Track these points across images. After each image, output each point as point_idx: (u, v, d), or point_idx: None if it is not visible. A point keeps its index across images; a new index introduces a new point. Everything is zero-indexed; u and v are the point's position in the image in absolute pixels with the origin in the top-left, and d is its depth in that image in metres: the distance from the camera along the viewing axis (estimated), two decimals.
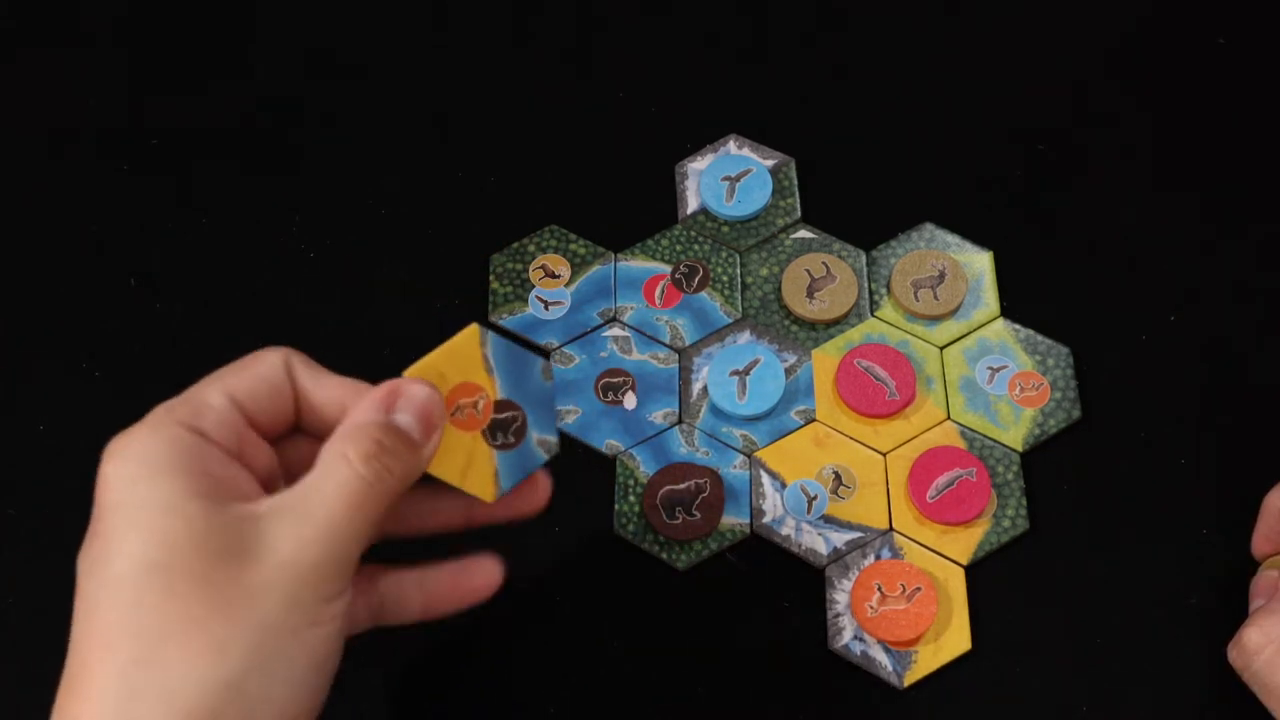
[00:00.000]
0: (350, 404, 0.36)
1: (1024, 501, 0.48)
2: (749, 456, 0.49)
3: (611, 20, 0.62)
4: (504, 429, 0.39)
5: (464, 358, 0.39)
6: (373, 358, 0.52)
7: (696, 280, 0.53)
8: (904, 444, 0.50)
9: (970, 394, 0.51)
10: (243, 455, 0.35)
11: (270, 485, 0.36)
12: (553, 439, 0.40)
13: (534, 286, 0.53)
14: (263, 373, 0.36)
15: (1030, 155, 0.57)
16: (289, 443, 0.37)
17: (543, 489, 0.41)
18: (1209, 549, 0.48)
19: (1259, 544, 0.46)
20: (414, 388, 0.36)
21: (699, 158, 0.57)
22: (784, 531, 0.48)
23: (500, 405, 0.39)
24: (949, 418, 0.50)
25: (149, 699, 0.30)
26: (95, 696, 0.31)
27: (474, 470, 0.39)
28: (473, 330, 0.39)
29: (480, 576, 0.40)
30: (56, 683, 0.47)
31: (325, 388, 0.36)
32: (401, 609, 0.39)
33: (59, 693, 0.32)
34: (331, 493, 0.33)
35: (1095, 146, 0.57)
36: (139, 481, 0.32)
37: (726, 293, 0.53)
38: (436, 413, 0.36)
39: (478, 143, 0.58)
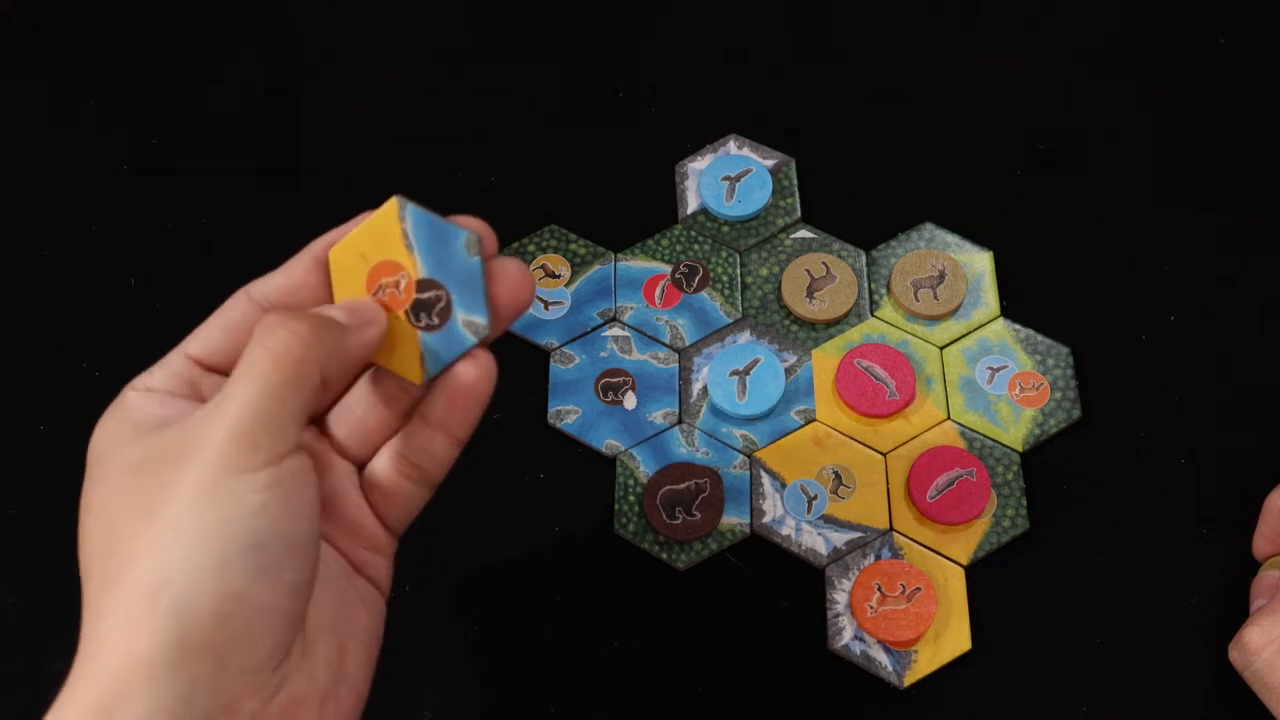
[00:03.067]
0: (307, 278, 0.38)
1: (1024, 501, 0.48)
2: (749, 456, 0.49)
3: (612, 20, 0.62)
4: (428, 309, 0.37)
5: (384, 234, 0.37)
6: None
7: (696, 280, 0.53)
8: (904, 444, 0.50)
9: (970, 394, 0.51)
10: (196, 394, 0.36)
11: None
12: (480, 320, 0.36)
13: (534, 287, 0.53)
14: (217, 321, 0.37)
15: (1030, 155, 0.57)
16: None
17: (483, 375, 0.36)
18: (1209, 549, 0.48)
19: (1259, 544, 0.46)
20: (352, 299, 0.36)
21: (699, 158, 0.57)
22: (784, 531, 0.48)
23: (422, 285, 0.37)
24: (949, 418, 0.50)
25: (124, 608, 0.30)
26: (84, 630, 0.31)
27: (400, 351, 0.37)
28: (392, 203, 0.37)
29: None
30: (59, 681, 0.47)
31: (283, 281, 0.38)
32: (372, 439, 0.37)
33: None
34: (242, 370, 0.32)
35: (1095, 146, 0.57)
36: (100, 445, 0.34)
37: (726, 293, 0.53)
38: (369, 308, 0.36)
39: (478, 143, 0.58)
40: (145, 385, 0.36)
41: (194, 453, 0.31)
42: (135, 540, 0.31)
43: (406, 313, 0.36)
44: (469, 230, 0.37)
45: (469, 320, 0.36)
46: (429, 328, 0.36)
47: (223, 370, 0.36)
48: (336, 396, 0.37)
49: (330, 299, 0.38)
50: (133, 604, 0.30)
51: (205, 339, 0.36)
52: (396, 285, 0.37)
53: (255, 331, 0.33)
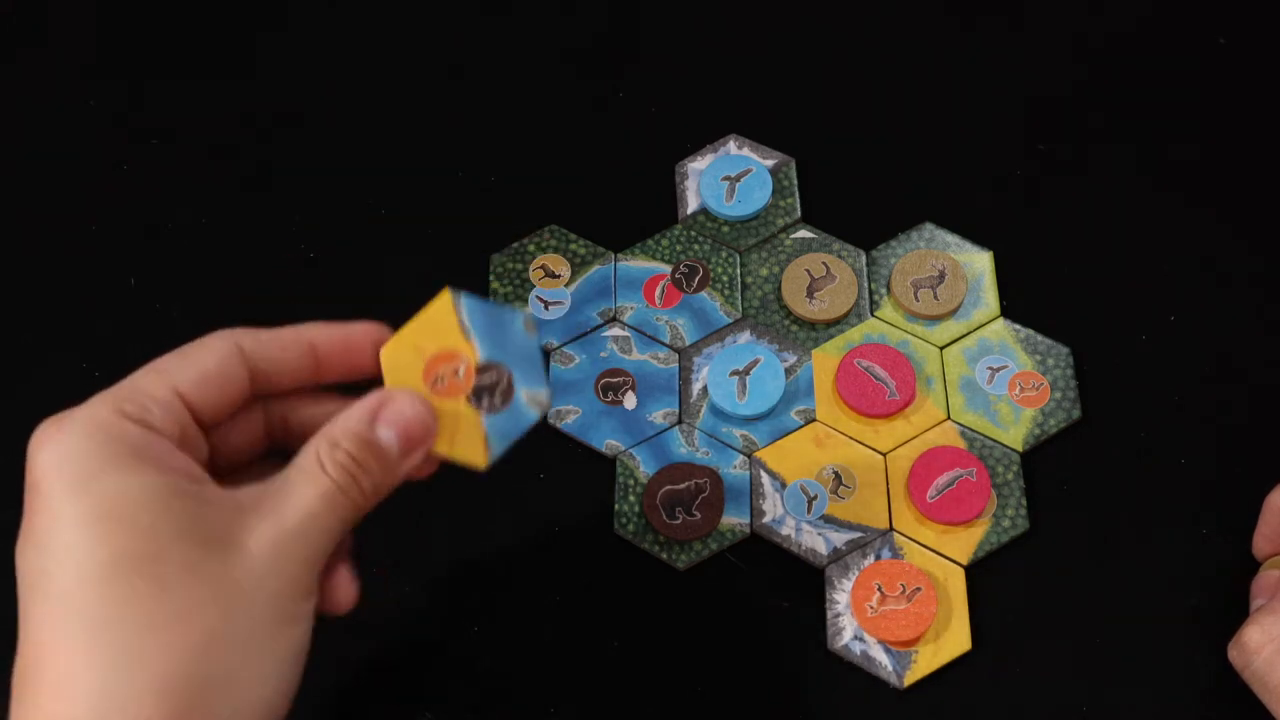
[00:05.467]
0: (301, 363, 0.37)
1: (1024, 501, 0.48)
2: (749, 456, 0.49)
3: (612, 20, 0.62)
4: (489, 391, 0.38)
5: (440, 325, 0.38)
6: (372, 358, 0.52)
7: (696, 280, 0.53)
8: (904, 444, 0.50)
9: (970, 394, 0.51)
10: (184, 446, 0.35)
11: (212, 471, 0.36)
12: (543, 393, 0.39)
13: (534, 286, 0.53)
14: (211, 366, 0.36)
15: (1030, 155, 0.57)
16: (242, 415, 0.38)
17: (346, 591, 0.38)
18: (1209, 549, 0.48)
19: (1260, 544, 0.46)
20: (402, 401, 0.36)
21: (699, 158, 0.57)
22: (784, 531, 0.48)
23: (482, 368, 0.38)
24: (949, 418, 0.50)
25: (136, 693, 0.30)
26: (78, 694, 0.30)
27: (462, 437, 0.38)
28: (445, 297, 0.38)
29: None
30: None
31: (276, 352, 0.37)
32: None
33: (17, 688, 0.32)
34: (307, 496, 0.34)
35: (1095, 146, 0.57)
36: (104, 473, 0.32)
37: (726, 293, 0.53)
38: (420, 431, 0.36)
39: (478, 143, 0.58)
40: (144, 419, 0.34)
41: (259, 566, 0.33)
42: (161, 638, 0.31)
43: (468, 398, 0.38)
44: (524, 311, 0.39)
45: (533, 395, 0.39)
46: (491, 409, 0.38)
47: (198, 416, 0.36)
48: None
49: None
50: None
51: (198, 385, 0.35)
52: (455, 372, 0.38)
53: (324, 440, 0.35)
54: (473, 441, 0.38)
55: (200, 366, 0.36)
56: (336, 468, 0.34)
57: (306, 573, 0.34)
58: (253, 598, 0.32)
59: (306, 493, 0.34)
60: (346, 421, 0.35)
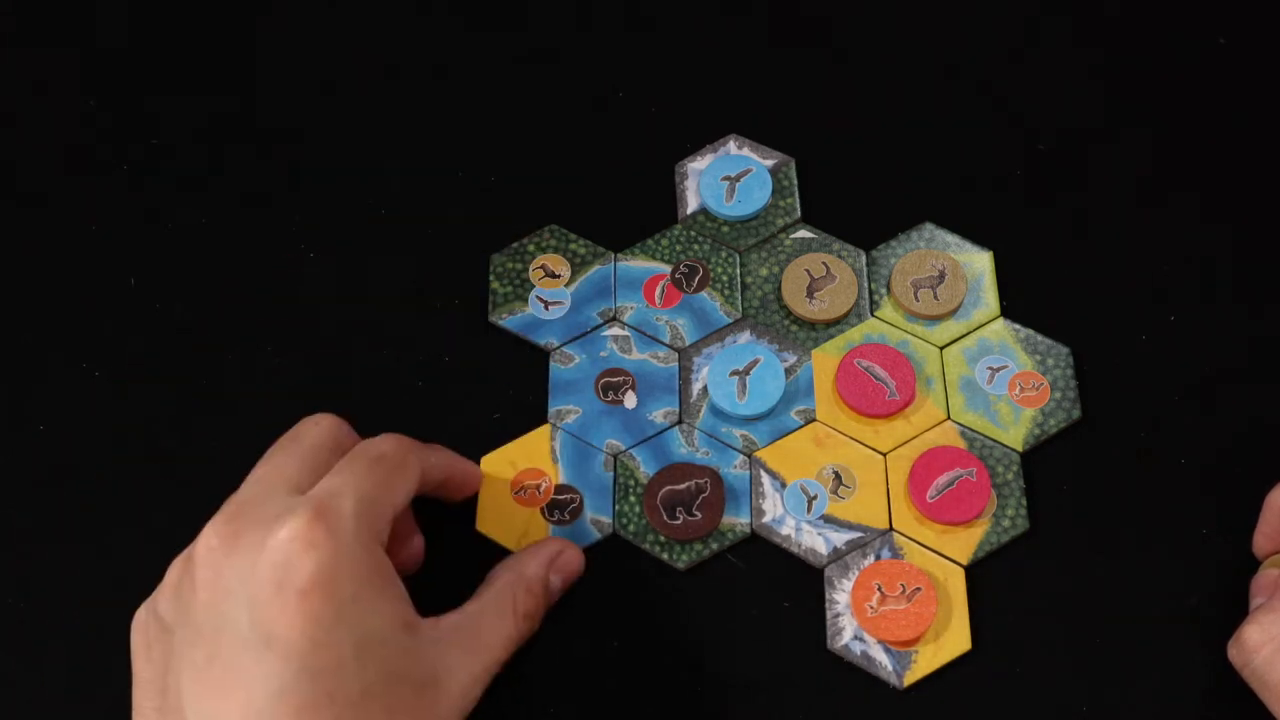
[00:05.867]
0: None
1: (1024, 501, 0.48)
2: (749, 456, 0.49)
3: (611, 20, 0.62)
4: (561, 508, 0.48)
5: (534, 448, 0.49)
6: (373, 358, 0.52)
7: (696, 280, 0.53)
8: (904, 444, 0.50)
9: (970, 394, 0.51)
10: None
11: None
12: (606, 519, 0.48)
13: (534, 286, 0.53)
14: (412, 484, 0.40)
15: (1030, 155, 0.57)
16: None
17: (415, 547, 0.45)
18: (1209, 549, 0.48)
19: (1260, 543, 0.46)
20: (572, 556, 0.45)
21: (699, 158, 0.57)
22: (784, 531, 0.48)
23: (561, 489, 0.48)
24: (949, 418, 0.50)
25: None
26: None
27: (529, 540, 0.47)
28: (544, 428, 0.49)
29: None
30: (56, 682, 0.47)
31: (439, 471, 0.44)
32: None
33: None
34: (499, 636, 0.40)
35: (1095, 146, 0.57)
36: (356, 604, 0.35)
37: (726, 293, 0.53)
38: (576, 573, 0.45)
39: (478, 143, 0.58)
40: (383, 540, 0.38)
41: (454, 700, 0.38)
42: None
43: (542, 509, 0.48)
44: (604, 451, 0.49)
45: (596, 519, 0.48)
46: (559, 522, 0.48)
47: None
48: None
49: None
50: None
51: (399, 506, 0.40)
52: (537, 487, 0.48)
53: (515, 586, 0.42)
54: None
55: (407, 491, 0.40)
56: (525, 615, 0.42)
57: (482, 692, 0.39)
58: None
59: (502, 633, 0.40)
60: (533, 567, 0.43)
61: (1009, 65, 0.60)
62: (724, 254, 0.54)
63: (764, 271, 0.54)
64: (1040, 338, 0.52)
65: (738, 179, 0.55)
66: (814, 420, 0.50)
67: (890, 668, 0.45)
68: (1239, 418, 0.51)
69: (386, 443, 0.40)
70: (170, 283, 0.54)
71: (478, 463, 0.49)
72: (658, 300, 0.53)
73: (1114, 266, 0.54)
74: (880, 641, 0.46)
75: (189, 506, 0.48)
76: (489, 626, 0.40)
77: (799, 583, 0.47)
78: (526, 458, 0.49)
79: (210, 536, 0.36)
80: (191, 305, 0.54)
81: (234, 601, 0.34)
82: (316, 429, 0.41)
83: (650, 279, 0.53)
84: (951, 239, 0.54)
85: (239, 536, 0.35)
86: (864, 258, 0.54)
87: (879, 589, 0.46)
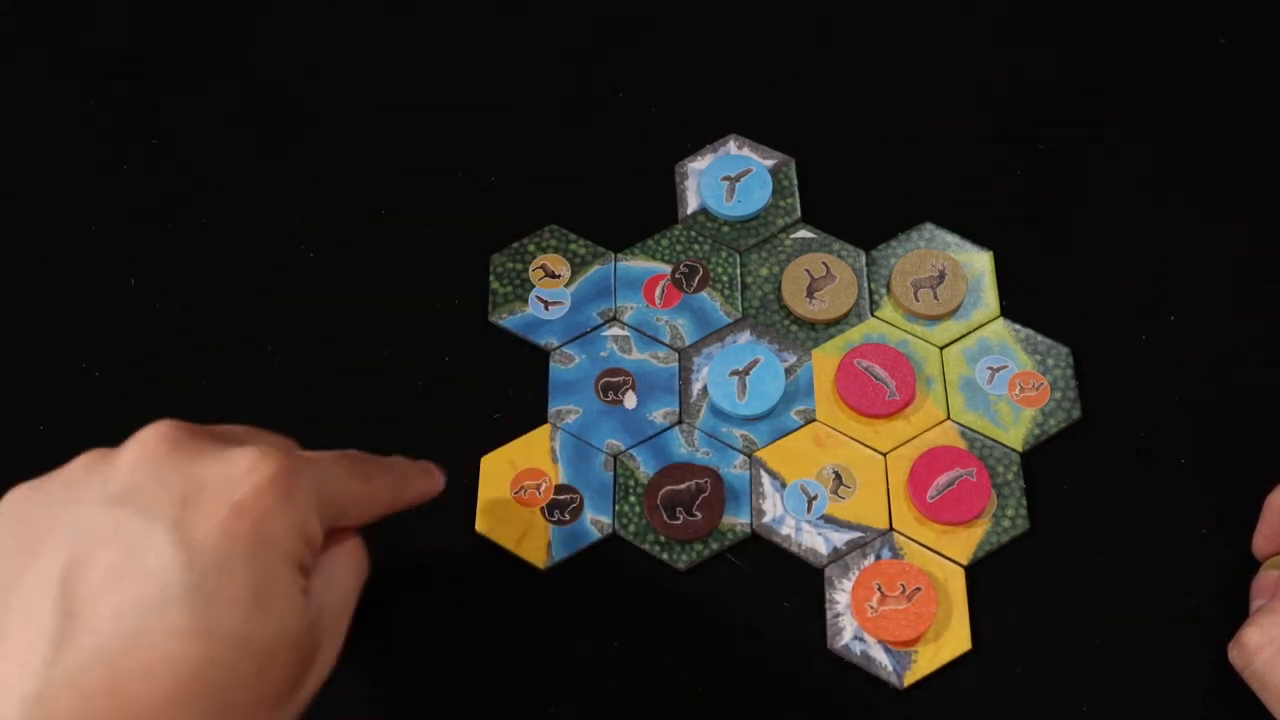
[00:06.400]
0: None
1: (1024, 501, 0.48)
2: (749, 456, 0.49)
3: (612, 20, 0.62)
4: (561, 508, 0.48)
5: (534, 448, 0.49)
6: (373, 358, 0.52)
7: (696, 280, 0.53)
8: (904, 444, 0.50)
9: (970, 394, 0.51)
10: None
11: None
12: (606, 519, 0.47)
13: (534, 286, 0.53)
14: (371, 508, 0.38)
15: (1030, 155, 0.57)
16: None
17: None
18: (1209, 549, 0.48)
19: (1260, 544, 0.46)
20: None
21: (699, 158, 0.57)
22: (784, 531, 0.48)
23: (560, 489, 0.48)
24: (949, 418, 0.50)
25: None
26: None
27: (529, 540, 0.47)
28: (544, 428, 0.49)
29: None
30: None
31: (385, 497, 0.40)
32: None
33: None
34: (347, 592, 0.37)
35: (1095, 146, 0.57)
36: (280, 551, 0.33)
37: (726, 293, 0.53)
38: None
39: (478, 143, 0.58)
40: (324, 519, 0.35)
41: (319, 666, 0.36)
42: None
43: (542, 509, 0.48)
44: (604, 451, 0.48)
45: (596, 519, 0.48)
46: (560, 522, 0.48)
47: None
48: None
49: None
50: None
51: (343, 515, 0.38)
52: (537, 487, 0.48)
53: (360, 558, 0.38)
54: (537, 545, 0.47)
55: (367, 512, 0.38)
56: (363, 565, 0.38)
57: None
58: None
59: (348, 592, 0.37)
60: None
61: (1009, 65, 0.60)
62: (724, 254, 0.54)
63: (764, 271, 0.54)
64: (1040, 338, 0.52)
65: (738, 179, 0.55)
66: (814, 420, 0.50)
67: (890, 668, 0.45)
68: (1239, 418, 0.51)
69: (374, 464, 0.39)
70: (170, 283, 0.54)
71: (478, 463, 0.49)
72: (658, 300, 0.53)
73: (1114, 266, 0.54)
74: (880, 641, 0.46)
75: None
76: (341, 590, 0.37)
77: (799, 583, 0.47)
78: (526, 458, 0.49)
79: (167, 429, 0.33)
80: (191, 305, 0.54)
81: (161, 490, 0.32)
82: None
83: (650, 279, 0.53)
84: (951, 239, 0.54)
85: (197, 440, 0.33)
86: (864, 258, 0.54)
87: (879, 589, 0.46)
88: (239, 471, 0.32)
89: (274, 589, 0.32)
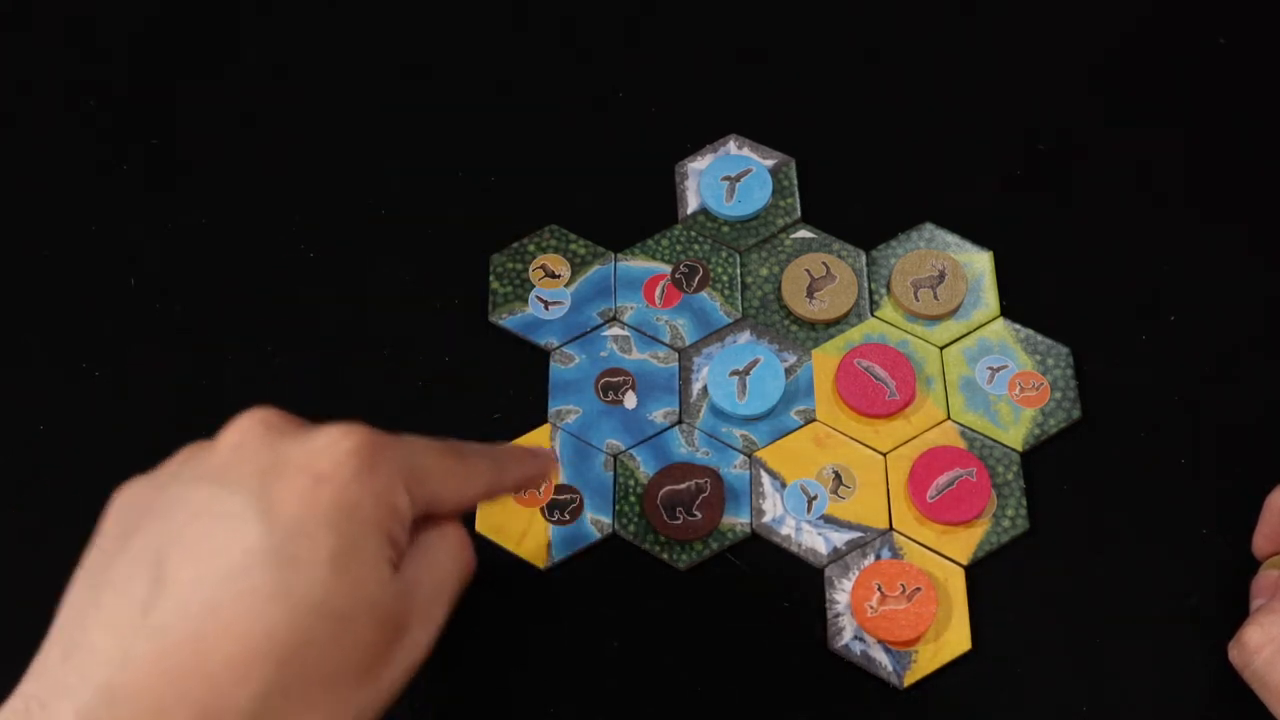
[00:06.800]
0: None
1: (1024, 501, 0.48)
2: (749, 456, 0.49)
3: (612, 20, 0.62)
4: (561, 508, 0.48)
5: (535, 446, 0.48)
6: (373, 358, 0.52)
7: (696, 280, 0.53)
8: (904, 444, 0.50)
9: (970, 394, 0.51)
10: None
11: None
12: (606, 519, 0.48)
13: (534, 286, 0.53)
14: (466, 494, 0.37)
15: (1030, 155, 0.57)
16: None
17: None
18: (1209, 549, 0.48)
19: (1260, 543, 0.46)
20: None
21: (699, 158, 0.57)
22: (784, 531, 0.48)
23: (561, 489, 0.48)
24: (949, 418, 0.50)
25: None
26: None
27: (529, 540, 0.47)
28: (544, 428, 0.49)
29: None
30: None
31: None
32: None
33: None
34: (447, 575, 0.37)
35: (1095, 146, 0.57)
36: (362, 518, 0.33)
37: (726, 293, 0.53)
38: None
39: (478, 142, 0.58)
40: (414, 496, 0.35)
41: (408, 646, 0.35)
42: (352, 690, 0.33)
43: (542, 509, 0.48)
44: (604, 451, 0.48)
45: (596, 519, 0.48)
46: (560, 522, 0.48)
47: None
48: None
49: None
50: None
51: (451, 498, 0.37)
52: (538, 488, 0.48)
53: (460, 541, 0.37)
54: (538, 545, 0.47)
55: (467, 493, 0.37)
56: (467, 549, 0.37)
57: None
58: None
59: (447, 574, 0.36)
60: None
61: (1009, 65, 0.60)
62: (724, 254, 0.54)
63: (764, 271, 0.54)
64: (1040, 338, 0.52)
65: (738, 179, 0.55)
66: (814, 420, 0.50)
67: (890, 668, 0.45)
68: (1239, 418, 0.51)
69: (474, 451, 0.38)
70: (170, 283, 0.54)
71: None
72: (658, 300, 0.53)
73: (1114, 266, 0.54)
74: (880, 641, 0.46)
75: None
76: (440, 575, 0.36)
77: (799, 583, 0.47)
78: None
79: (264, 413, 0.35)
80: (191, 305, 0.54)
81: (248, 465, 0.33)
82: None
83: (650, 279, 0.53)
84: (951, 239, 0.54)
85: (289, 423, 0.35)
86: (864, 258, 0.54)
87: (879, 589, 0.46)
88: (322, 444, 0.33)
89: (355, 554, 0.32)
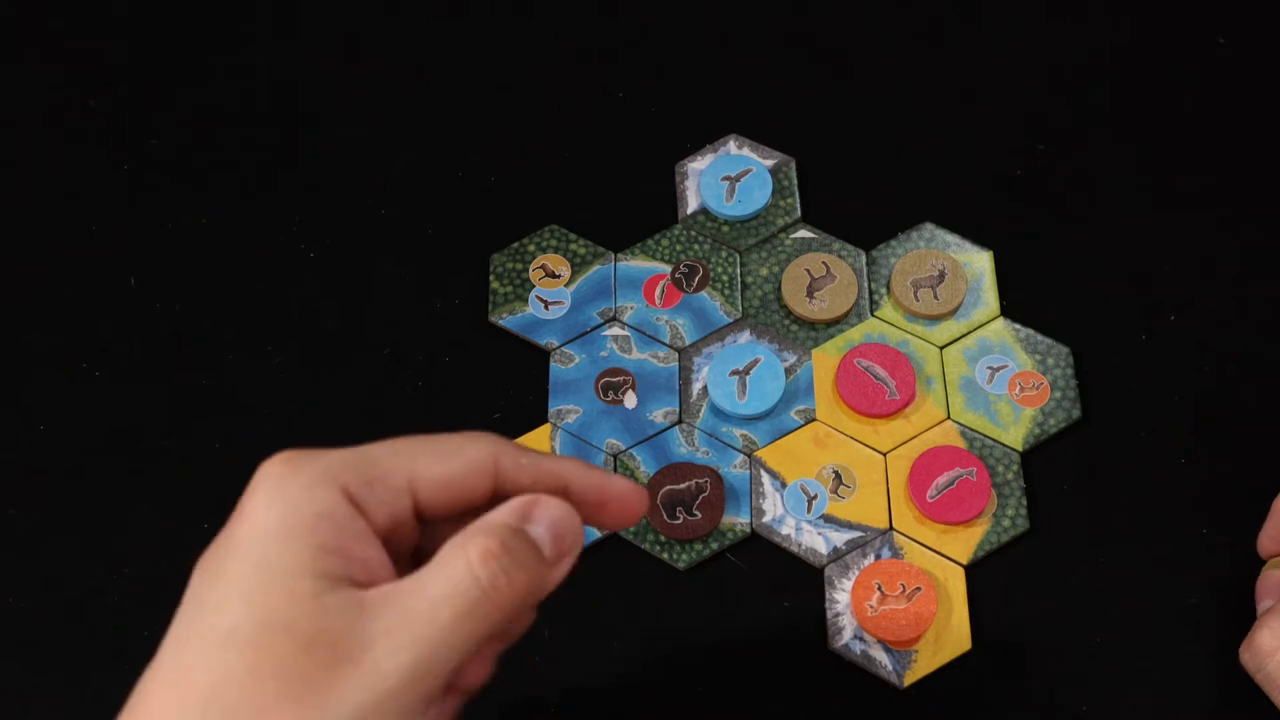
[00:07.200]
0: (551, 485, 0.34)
1: (1024, 501, 0.48)
2: (749, 456, 0.49)
3: (612, 20, 0.62)
4: None
5: (535, 448, 0.43)
6: (373, 358, 0.52)
7: (696, 280, 0.53)
8: (904, 444, 0.50)
9: (970, 394, 0.51)
10: (392, 538, 0.32)
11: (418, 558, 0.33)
12: None
13: (534, 286, 0.53)
14: (459, 473, 0.32)
15: (1030, 155, 0.57)
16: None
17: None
18: (1209, 549, 0.48)
19: (1265, 543, 0.46)
20: (554, 503, 0.33)
21: (699, 158, 0.57)
22: (784, 531, 0.48)
23: None
24: (949, 417, 0.50)
25: None
26: None
27: None
28: (544, 428, 0.49)
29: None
30: (53, 680, 0.47)
31: (526, 483, 0.33)
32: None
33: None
34: (440, 592, 0.30)
35: (1095, 146, 0.57)
36: (272, 535, 0.30)
37: (726, 292, 0.53)
38: (571, 536, 0.33)
39: (478, 143, 0.58)
40: (359, 498, 0.31)
41: (358, 676, 0.29)
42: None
43: None
44: (604, 451, 0.48)
45: None
46: None
47: (422, 511, 0.32)
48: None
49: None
50: None
51: (441, 484, 0.32)
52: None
53: (468, 533, 0.31)
54: None
55: (448, 469, 0.32)
56: (480, 557, 0.30)
57: (421, 685, 0.29)
58: (338, 709, 0.29)
59: (438, 588, 0.30)
60: (495, 516, 0.32)
61: (1009, 65, 0.60)
62: (724, 254, 0.54)
63: (764, 271, 0.54)
64: (1040, 338, 0.52)
65: (738, 179, 0.55)
66: (814, 420, 0.50)
67: (890, 668, 0.45)
68: (1239, 418, 0.51)
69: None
70: (170, 283, 0.54)
71: None
72: (658, 300, 0.53)
73: (1114, 266, 0.54)
74: (880, 641, 0.46)
75: (188, 506, 0.48)
76: (430, 583, 0.30)
77: (799, 583, 0.47)
78: None
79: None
80: (191, 305, 0.54)
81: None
82: None
83: (650, 279, 0.53)
84: (951, 239, 0.54)
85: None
86: (864, 258, 0.54)
87: (879, 589, 0.46)
88: (248, 489, 0.32)
89: (260, 577, 0.30)
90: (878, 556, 0.47)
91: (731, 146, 0.57)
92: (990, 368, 0.51)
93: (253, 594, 0.29)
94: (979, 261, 0.54)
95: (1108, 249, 0.55)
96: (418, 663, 0.29)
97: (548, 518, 0.33)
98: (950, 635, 0.46)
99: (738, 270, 0.54)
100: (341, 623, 0.29)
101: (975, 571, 0.47)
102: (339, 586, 0.30)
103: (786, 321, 0.52)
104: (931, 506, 0.48)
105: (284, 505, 0.30)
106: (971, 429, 0.50)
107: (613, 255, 0.54)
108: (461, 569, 0.30)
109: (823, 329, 0.52)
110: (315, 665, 0.29)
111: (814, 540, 0.48)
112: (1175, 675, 0.45)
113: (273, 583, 0.29)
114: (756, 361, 0.51)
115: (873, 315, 0.53)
